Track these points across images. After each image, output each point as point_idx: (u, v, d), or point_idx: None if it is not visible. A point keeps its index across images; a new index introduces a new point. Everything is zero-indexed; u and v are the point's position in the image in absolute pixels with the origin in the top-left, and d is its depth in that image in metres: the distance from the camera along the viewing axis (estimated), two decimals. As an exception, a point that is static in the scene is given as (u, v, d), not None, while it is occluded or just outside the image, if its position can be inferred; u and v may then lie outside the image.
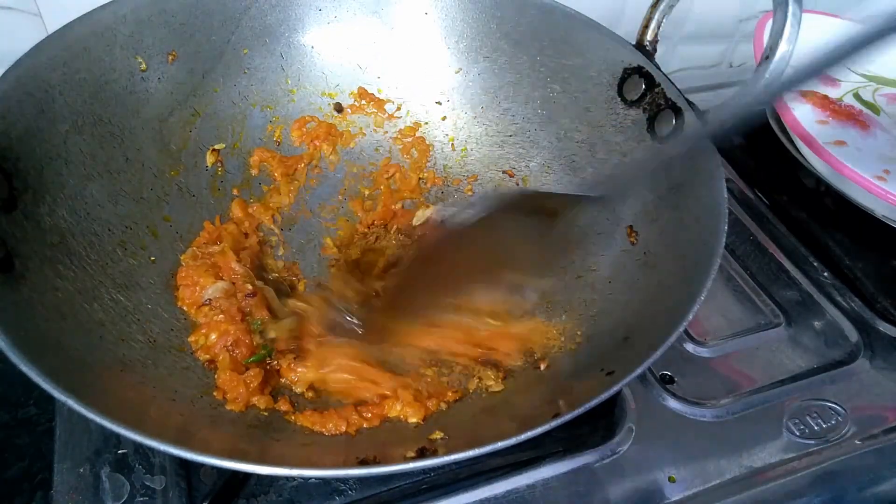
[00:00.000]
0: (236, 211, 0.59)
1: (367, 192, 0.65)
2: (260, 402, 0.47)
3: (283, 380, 0.50)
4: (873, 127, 0.73)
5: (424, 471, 0.48)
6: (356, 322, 0.53)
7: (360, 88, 0.66)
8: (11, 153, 0.44)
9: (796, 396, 0.56)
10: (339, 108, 0.65)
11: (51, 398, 0.43)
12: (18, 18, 0.63)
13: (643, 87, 0.57)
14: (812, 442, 0.53)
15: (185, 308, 0.51)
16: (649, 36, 0.57)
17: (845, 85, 0.79)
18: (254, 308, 0.52)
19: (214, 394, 0.46)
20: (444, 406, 0.49)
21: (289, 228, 0.62)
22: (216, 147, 0.60)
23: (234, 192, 0.61)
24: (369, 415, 0.48)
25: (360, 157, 0.66)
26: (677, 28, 0.91)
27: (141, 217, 0.53)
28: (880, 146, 0.70)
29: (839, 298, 0.65)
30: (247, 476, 0.47)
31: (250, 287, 0.52)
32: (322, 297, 0.54)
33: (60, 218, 0.46)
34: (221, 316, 0.50)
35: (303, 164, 0.64)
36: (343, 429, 0.46)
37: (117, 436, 0.47)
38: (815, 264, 0.68)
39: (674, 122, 0.54)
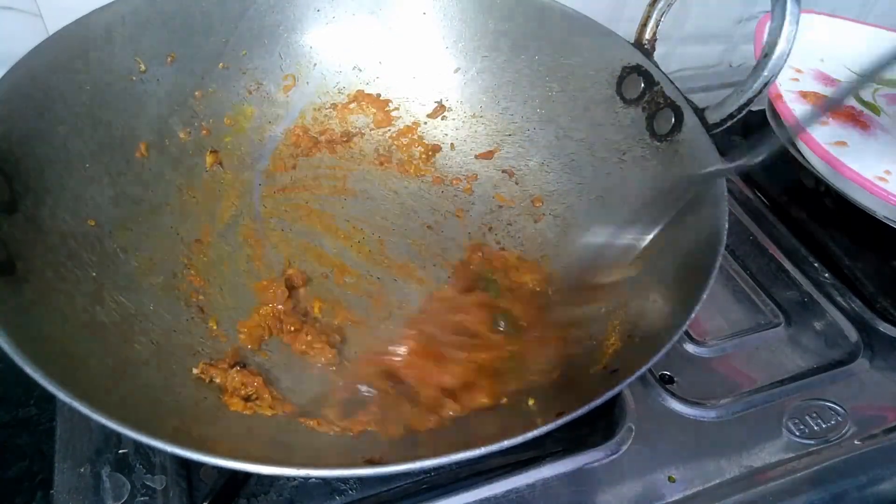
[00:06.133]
0: None
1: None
2: (263, 404, 0.47)
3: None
4: (874, 127, 0.73)
5: (425, 471, 0.48)
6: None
7: (358, 91, 0.66)
8: (12, 155, 0.44)
9: (796, 396, 0.56)
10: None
11: (51, 398, 0.43)
12: (19, 19, 0.62)
13: (642, 85, 0.57)
14: (812, 442, 0.53)
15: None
16: (648, 34, 0.57)
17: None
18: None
19: (218, 395, 0.46)
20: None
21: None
22: (215, 148, 0.60)
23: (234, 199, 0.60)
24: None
25: (360, 158, 0.66)
26: (677, 29, 0.91)
27: (142, 219, 0.53)
28: (881, 146, 0.70)
29: (839, 298, 0.65)
30: (247, 476, 0.47)
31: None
32: None
33: (62, 220, 0.46)
34: None
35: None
36: (346, 429, 0.46)
37: (118, 435, 0.47)
38: (815, 264, 0.68)
39: (673, 120, 0.54)
